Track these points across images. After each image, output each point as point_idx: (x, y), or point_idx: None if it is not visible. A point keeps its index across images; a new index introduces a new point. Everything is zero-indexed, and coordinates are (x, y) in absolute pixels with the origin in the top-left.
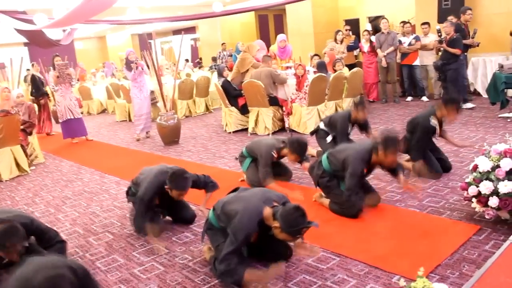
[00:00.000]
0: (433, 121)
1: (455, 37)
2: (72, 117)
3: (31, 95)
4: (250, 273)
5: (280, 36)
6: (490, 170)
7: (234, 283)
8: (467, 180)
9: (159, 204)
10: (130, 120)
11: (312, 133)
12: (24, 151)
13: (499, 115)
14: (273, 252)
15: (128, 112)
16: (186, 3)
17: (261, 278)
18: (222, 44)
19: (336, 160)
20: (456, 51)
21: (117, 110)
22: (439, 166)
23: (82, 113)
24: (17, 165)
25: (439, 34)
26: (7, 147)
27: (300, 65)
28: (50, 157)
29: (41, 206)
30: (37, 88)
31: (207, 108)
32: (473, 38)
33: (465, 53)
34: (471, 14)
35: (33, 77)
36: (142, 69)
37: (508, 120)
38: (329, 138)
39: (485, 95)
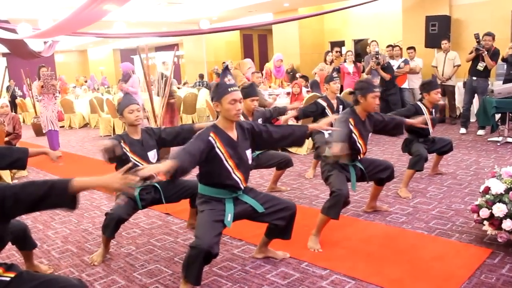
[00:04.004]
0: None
1: (385, 65)
2: (52, 129)
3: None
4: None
5: (277, 56)
6: (504, 192)
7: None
8: (476, 203)
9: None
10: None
11: None
12: None
13: (488, 139)
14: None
15: (113, 127)
16: (172, 19)
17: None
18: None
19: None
20: (385, 75)
21: (101, 124)
22: (426, 153)
23: (63, 126)
24: None
25: (377, 55)
26: None
27: (296, 83)
28: (34, 170)
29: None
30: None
31: None
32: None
33: (487, 78)
34: (485, 40)
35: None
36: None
37: (498, 143)
38: (326, 133)
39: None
